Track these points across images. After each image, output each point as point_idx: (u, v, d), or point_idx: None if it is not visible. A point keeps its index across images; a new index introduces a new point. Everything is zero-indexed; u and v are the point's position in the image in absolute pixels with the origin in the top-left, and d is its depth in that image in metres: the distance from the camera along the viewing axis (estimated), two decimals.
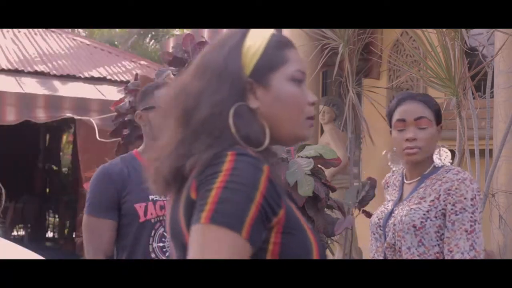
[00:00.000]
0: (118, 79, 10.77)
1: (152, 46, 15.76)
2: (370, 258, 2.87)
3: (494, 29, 4.09)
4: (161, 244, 3.00)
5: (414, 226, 2.66)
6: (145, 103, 3.05)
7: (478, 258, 2.59)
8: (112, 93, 10.13)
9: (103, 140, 9.19)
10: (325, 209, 5.26)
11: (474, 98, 4.18)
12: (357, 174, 7.25)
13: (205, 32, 7.26)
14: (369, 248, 2.88)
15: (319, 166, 5.17)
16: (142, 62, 11.90)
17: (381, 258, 2.78)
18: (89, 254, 2.99)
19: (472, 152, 4.30)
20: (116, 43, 17.83)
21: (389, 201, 2.88)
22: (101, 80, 10.54)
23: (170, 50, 7.63)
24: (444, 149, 2.77)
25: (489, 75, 4.17)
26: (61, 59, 11.35)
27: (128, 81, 10.87)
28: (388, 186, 2.96)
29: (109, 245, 3.00)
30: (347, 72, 6.10)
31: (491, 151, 4.35)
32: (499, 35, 4.22)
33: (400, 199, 2.82)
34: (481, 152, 4.29)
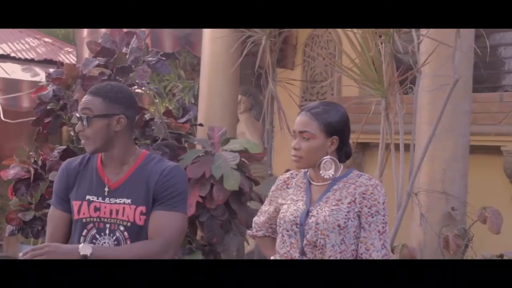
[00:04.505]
0: (22, 57, 10.45)
1: None
2: (282, 254, 3.01)
3: (423, 36, 4.22)
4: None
5: (338, 226, 2.90)
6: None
7: (389, 255, 2.93)
8: (17, 72, 9.84)
9: (7, 120, 8.95)
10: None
11: (402, 102, 4.30)
12: (268, 162, 7.32)
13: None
14: (279, 244, 3.03)
15: (243, 159, 5.23)
16: (46, 40, 11.56)
17: (297, 254, 2.97)
18: (46, 242, 3.05)
19: (397, 149, 4.44)
20: None
21: (297, 201, 3.05)
22: (4, 58, 10.18)
23: (84, 34, 7.52)
24: (330, 160, 2.99)
25: (417, 79, 4.31)
26: None
27: (32, 59, 10.62)
28: (288, 187, 3.14)
29: (59, 236, 3.06)
30: (268, 64, 6.17)
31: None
32: (426, 40, 4.36)
33: (311, 200, 3.02)
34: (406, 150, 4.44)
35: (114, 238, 2.97)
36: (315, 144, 2.97)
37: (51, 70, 5.27)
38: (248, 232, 3.41)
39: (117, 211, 2.97)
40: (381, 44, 4.25)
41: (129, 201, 2.97)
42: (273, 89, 6.13)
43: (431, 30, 4.22)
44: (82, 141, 3.00)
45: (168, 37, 6.90)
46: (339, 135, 3.00)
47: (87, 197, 3.00)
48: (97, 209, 2.99)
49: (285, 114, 6.20)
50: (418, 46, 4.23)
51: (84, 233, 3.00)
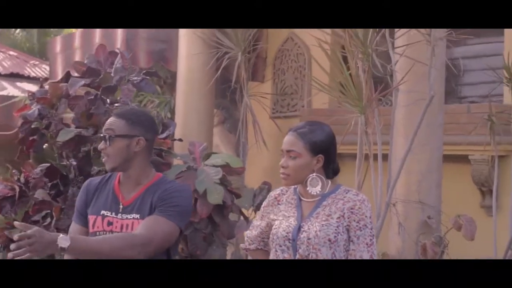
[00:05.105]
0: None
1: (20, 35, 15.27)
2: None
3: (400, 55, 4.44)
4: None
5: (329, 240, 3.06)
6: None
7: None
8: None
9: None
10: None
11: (379, 116, 4.51)
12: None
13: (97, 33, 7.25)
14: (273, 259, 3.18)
15: (224, 173, 5.38)
16: (11, 53, 11.58)
17: None
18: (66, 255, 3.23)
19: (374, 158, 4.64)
20: None
21: (289, 217, 3.20)
22: None
23: (58, 50, 7.61)
24: (316, 177, 3.12)
25: (394, 96, 4.52)
26: None
27: None
28: (279, 204, 3.29)
29: None
30: (243, 79, 6.35)
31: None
32: (401, 58, 4.58)
33: (302, 216, 3.17)
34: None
35: None
36: (301, 163, 3.11)
37: (35, 89, 5.38)
38: (241, 245, 3.56)
39: (127, 225, 3.16)
40: (360, 62, 4.44)
41: (137, 216, 3.16)
42: (248, 103, 6.31)
43: (407, 49, 4.45)
44: (104, 159, 3.19)
45: (143, 52, 7.04)
46: (325, 153, 3.15)
47: (102, 212, 3.20)
48: (110, 223, 3.18)
49: (260, 127, 6.39)
50: (395, 65, 4.44)
51: None
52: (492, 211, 5.22)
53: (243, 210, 5.61)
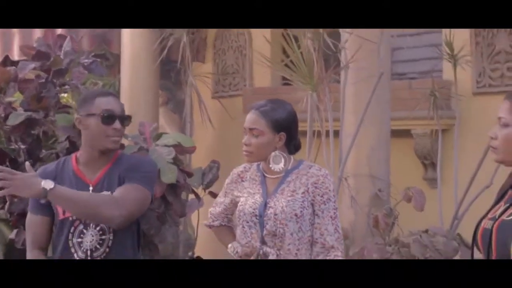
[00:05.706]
0: None
1: None
2: (244, 244, 3.26)
3: (350, 34, 4.56)
4: (79, 240, 3.22)
5: (295, 215, 3.17)
6: (85, 109, 3.24)
7: (341, 238, 3.21)
8: None
9: None
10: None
11: (329, 92, 4.63)
12: None
13: None
14: (240, 235, 3.29)
15: (176, 153, 5.42)
16: None
17: (258, 243, 3.23)
18: (28, 246, 3.28)
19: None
20: None
21: (254, 193, 3.30)
22: None
23: None
24: (279, 154, 3.23)
25: (344, 73, 4.65)
26: None
27: None
28: (243, 181, 3.39)
29: (43, 239, 3.28)
30: (188, 60, 6.39)
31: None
32: (351, 36, 4.70)
33: (267, 192, 3.27)
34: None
35: (98, 228, 3.22)
36: (264, 140, 3.21)
37: None
38: (205, 222, 3.63)
39: None
40: (311, 41, 4.54)
41: (109, 192, 3.20)
42: (194, 83, 6.36)
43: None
44: (115, 139, 3.23)
45: (85, 35, 7.00)
46: (286, 131, 3.25)
47: None
48: None
49: (206, 107, 6.45)
50: (345, 43, 4.56)
51: (72, 230, 3.23)
52: (435, 183, 5.41)
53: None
